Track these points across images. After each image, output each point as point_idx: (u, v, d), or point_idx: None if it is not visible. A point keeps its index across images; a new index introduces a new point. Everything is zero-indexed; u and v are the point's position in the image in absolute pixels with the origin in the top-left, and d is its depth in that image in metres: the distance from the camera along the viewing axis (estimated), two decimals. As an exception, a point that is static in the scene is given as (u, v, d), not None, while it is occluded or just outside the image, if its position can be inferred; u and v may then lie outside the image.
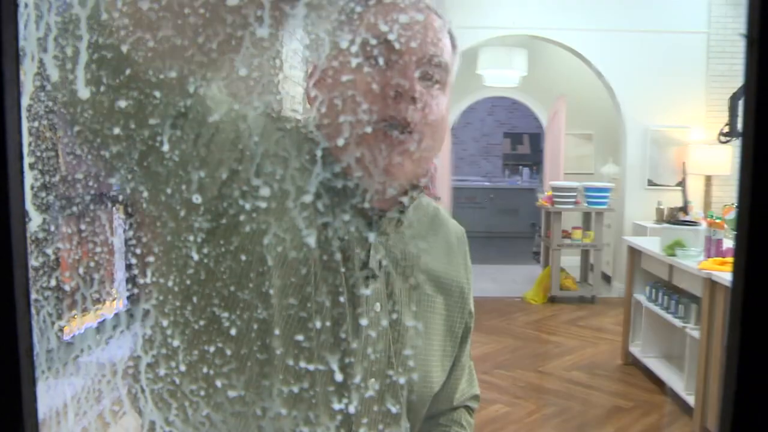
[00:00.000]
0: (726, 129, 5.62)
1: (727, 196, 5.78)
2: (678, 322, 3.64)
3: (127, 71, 0.53)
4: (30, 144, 0.52)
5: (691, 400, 3.41)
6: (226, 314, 0.63)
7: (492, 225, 9.99)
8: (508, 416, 3.54)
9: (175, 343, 0.62)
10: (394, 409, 0.75)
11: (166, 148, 0.57)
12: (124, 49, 0.52)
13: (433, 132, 0.71)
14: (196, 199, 0.60)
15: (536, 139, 10.53)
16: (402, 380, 0.76)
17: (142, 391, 0.62)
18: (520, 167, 10.99)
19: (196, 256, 0.62)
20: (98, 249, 0.64)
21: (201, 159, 0.60)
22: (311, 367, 0.66)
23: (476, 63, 6.68)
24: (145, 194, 0.60)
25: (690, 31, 5.97)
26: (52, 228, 0.57)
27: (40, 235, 0.55)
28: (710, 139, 5.85)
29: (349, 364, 0.70)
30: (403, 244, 0.78)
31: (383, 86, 0.66)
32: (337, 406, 0.68)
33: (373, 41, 0.66)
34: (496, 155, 11.17)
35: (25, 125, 0.32)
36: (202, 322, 0.63)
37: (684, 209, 5.62)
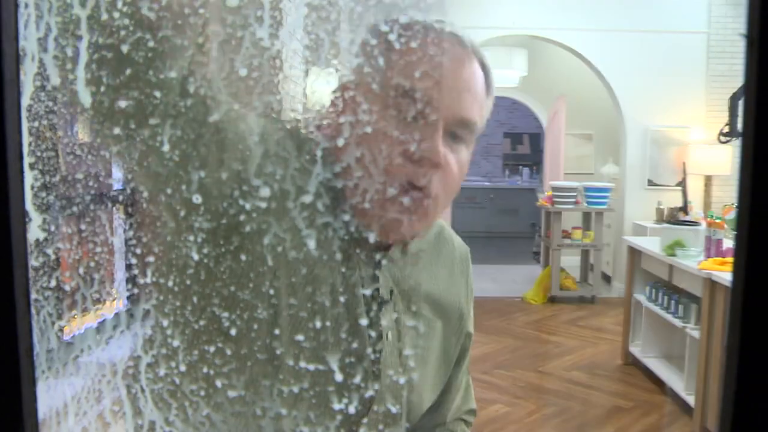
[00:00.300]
0: (726, 129, 5.62)
1: (727, 196, 5.78)
2: (678, 322, 3.64)
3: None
4: (30, 144, 0.52)
5: (691, 400, 3.41)
6: (226, 314, 0.63)
7: (492, 225, 9.99)
8: (508, 416, 3.54)
9: (175, 343, 0.62)
10: (394, 409, 0.75)
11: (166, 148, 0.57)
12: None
13: (452, 191, 0.69)
14: (196, 199, 0.60)
15: (536, 139, 10.54)
16: (402, 380, 0.75)
17: (142, 391, 0.62)
18: (520, 167, 10.99)
19: (196, 256, 0.62)
20: (98, 249, 0.64)
21: (201, 159, 0.60)
22: (311, 367, 0.66)
23: (476, 63, 6.67)
24: (147, 193, 0.60)
25: (690, 31, 5.98)
26: (52, 228, 0.57)
27: (40, 235, 0.55)
28: (710, 139, 5.85)
29: (349, 364, 0.70)
30: (406, 267, 0.76)
31: (407, 144, 0.63)
32: (337, 406, 0.68)
33: (403, 91, 0.63)
34: (496, 155, 11.17)
35: (25, 125, 0.32)
36: (202, 322, 0.63)
37: (684, 209, 5.62)
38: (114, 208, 0.67)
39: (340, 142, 0.62)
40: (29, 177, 0.47)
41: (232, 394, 0.63)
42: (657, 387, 3.91)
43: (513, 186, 10.55)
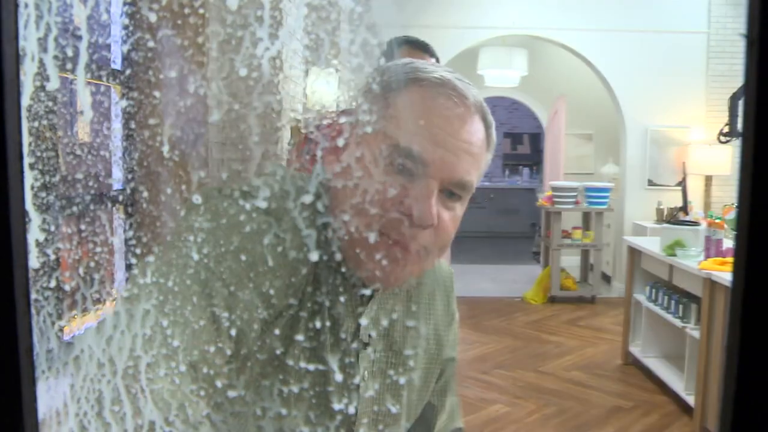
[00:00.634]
0: (726, 129, 5.62)
1: (727, 196, 5.78)
2: (678, 322, 3.64)
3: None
4: (30, 144, 0.53)
5: (691, 400, 3.41)
6: (226, 314, 0.63)
7: (492, 225, 9.99)
8: (508, 416, 3.54)
9: (175, 343, 0.62)
10: (394, 409, 0.75)
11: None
12: None
13: (444, 244, 0.70)
14: (197, 199, 0.60)
15: (536, 139, 10.54)
16: (402, 380, 0.75)
17: (142, 391, 0.62)
18: (520, 167, 10.99)
19: (196, 256, 0.62)
20: (98, 249, 0.64)
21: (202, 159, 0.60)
22: (311, 367, 0.66)
23: (476, 63, 6.68)
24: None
25: (690, 31, 5.97)
26: (52, 228, 0.57)
27: (40, 236, 0.55)
28: (710, 139, 5.85)
29: (349, 364, 0.70)
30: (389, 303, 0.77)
31: (400, 199, 0.64)
32: (337, 406, 0.68)
33: (400, 154, 0.64)
34: (496, 155, 11.14)
35: (25, 125, 0.32)
36: (202, 322, 0.63)
37: (684, 209, 5.62)
38: (114, 208, 0.68)
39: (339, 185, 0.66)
40: (29, 177, 0.47)
41: (232, 394, 0.63)
42: (657, 387, 3.91)
43: (513, 186, 10.56)
